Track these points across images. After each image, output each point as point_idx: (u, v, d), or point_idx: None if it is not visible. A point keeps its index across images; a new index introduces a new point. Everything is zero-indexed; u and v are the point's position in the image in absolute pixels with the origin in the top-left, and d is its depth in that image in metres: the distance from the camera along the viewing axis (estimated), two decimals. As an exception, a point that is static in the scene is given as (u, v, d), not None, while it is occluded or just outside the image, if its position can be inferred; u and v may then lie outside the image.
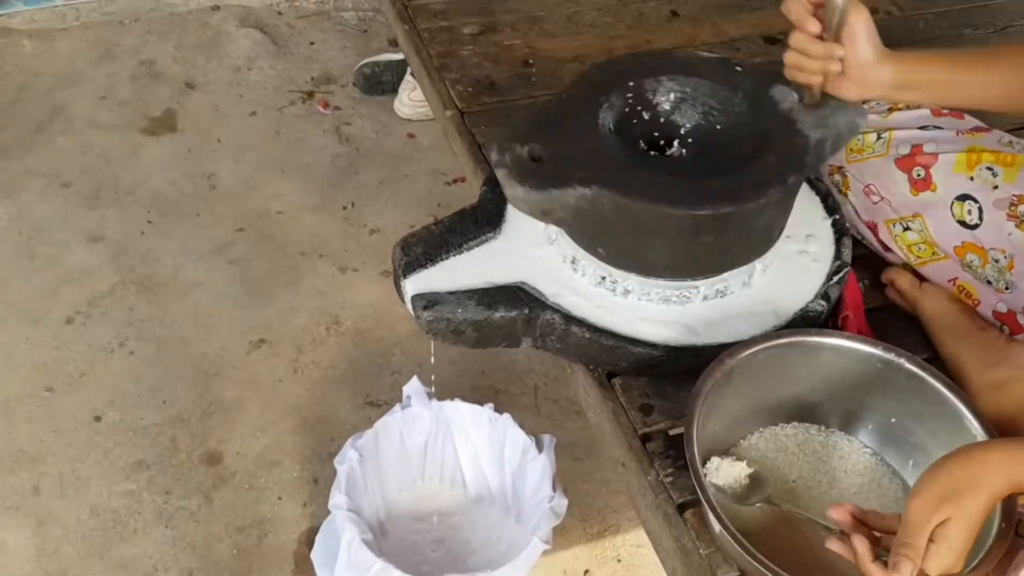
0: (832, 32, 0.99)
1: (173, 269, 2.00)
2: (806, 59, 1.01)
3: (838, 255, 1.12)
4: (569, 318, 1.04)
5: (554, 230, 1.11)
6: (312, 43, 2.61)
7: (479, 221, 1.15)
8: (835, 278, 1.09)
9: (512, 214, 1.16)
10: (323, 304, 1.95)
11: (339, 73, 2.51)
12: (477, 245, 1.13)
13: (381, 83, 2.40)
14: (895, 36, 1.62)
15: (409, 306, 1.09)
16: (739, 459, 0.92)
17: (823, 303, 1.07)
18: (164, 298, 1.94)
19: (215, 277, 1.99)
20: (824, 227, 1.16)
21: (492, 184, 1.19)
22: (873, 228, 1.21)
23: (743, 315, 1.06)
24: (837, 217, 1.16)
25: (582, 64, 1.50)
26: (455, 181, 2.24)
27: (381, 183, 2.23)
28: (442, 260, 1.11)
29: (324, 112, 2.40)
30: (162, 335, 1.87)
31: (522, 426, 1.44)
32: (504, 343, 1.08)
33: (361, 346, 1.87)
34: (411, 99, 2.33)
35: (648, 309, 1.06)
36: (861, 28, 0.98)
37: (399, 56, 2.39)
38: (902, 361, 0.93)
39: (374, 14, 2.68)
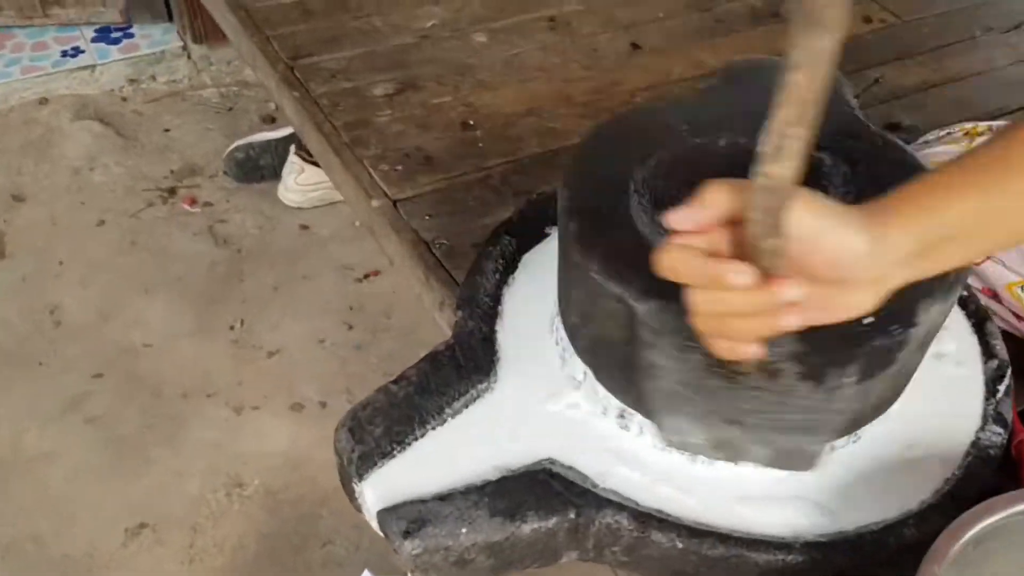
0: (765, 253, 0.50)
1: (13, 439, 1.53)
2: (733, 321, 0.52)
3: (988, 350, 0.78)
4: (645, 518, 0.65)
5: (579, 365, 0.72)
6: (167, 130, 2.17)
7: (461, 367, 0.75)
8: (1000, 387, 0.74)
9: (508, 349, 0.77)
10: (218, 461, 1.50)
11: (204, 162, 2.08)
12: (465, 406, 0.73)
13: (259, 168, 1.99)
14: (902, 46, 1.36)
15: (376, 525, 0.68)
16: None
17: (999, 430, 0.71)
18: (3, 482, 1.46)
19: (70, 444, 1.53)
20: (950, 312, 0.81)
21: (470, 304, 0.80)
22: (993, 296, 0.87)
23: (893, 470, 0.70)
24: (964, 293, 0.82)
25: (539, 118, 1.13)
26: (367, 276, 1.83)
27: (275, 290, 1.81)
28: (417, 440, 0.70)
29: (191, 210, 1.96)
30: (5, 537, 1.39)
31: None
32: (536, 564, 0.68)
33: (276, 512, 1.44)
34: (299, 183, 1.92)
35: (750, 481, 0.69)
36: (810, 218, 0.50)
37: (278, 134, 1.99)
38: None
39: (239, 88, 2.27)
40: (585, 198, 0.70)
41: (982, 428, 0.72)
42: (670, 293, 0.54)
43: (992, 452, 0.70)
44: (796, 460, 0.62)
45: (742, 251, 0.50)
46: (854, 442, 0.71)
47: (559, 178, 0.73)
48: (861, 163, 0.73)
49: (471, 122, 1.13)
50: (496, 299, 0.81)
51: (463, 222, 0.99)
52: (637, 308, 0.61)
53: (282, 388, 1.62)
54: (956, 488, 0.68)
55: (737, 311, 0.51)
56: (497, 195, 1.03)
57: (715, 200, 0.51)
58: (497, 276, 0.83)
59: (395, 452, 0.70)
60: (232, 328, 1.72)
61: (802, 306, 0.51)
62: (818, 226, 0.50)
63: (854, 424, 0.68)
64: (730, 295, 0.50)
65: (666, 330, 0.59)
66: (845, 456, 0.70)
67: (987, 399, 0.74)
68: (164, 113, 2.22)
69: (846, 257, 0.51)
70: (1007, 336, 0.88)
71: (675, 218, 0.52)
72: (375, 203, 1.01)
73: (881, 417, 0.71)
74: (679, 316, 0.54)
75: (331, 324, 1.74)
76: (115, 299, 1.77)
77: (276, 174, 1.98)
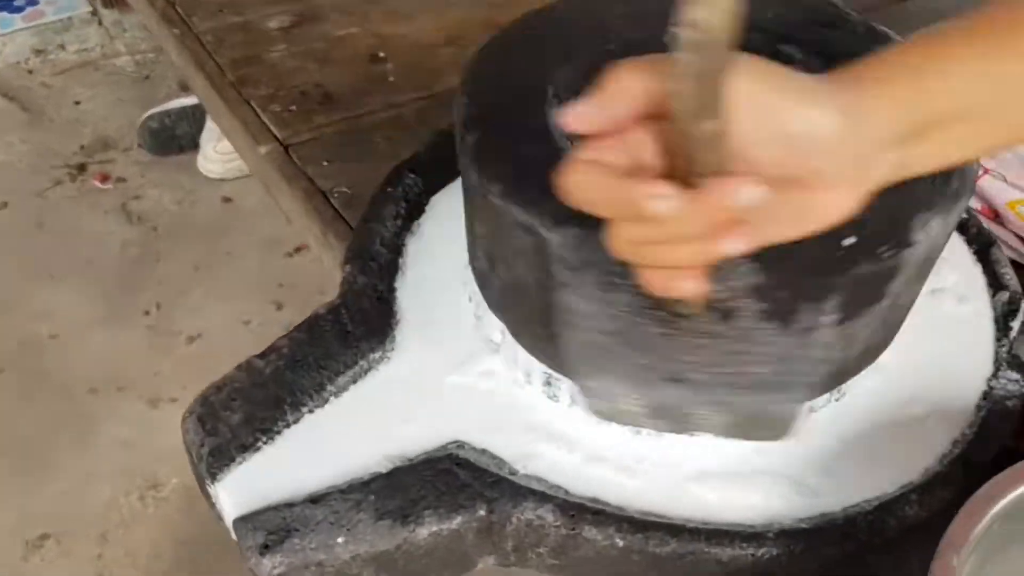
0: (699, 145, 0.34)
1: None
2: (665, 248, 0.36)
3: (995, 281, 0.64)
4: (575, 509, 0.51)
5: (496, 324, 0.58)
6: (77, 102, 2.00)
7: (349, 332, 0.60)
8: (1013, 324, 0.61)
9: (410, 309, 0.62)
10: (131, 461, 1.35)
11: (118, 135, 1.91)
12: (352, 381, 0.58)
13: (175, 137, 1.82)
14: None
15: (233, 534, 0.53)
16: None
17: (1016, 376, 0.58)
18: None
19: (-36, 450, 1.36)
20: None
21: (361, 256, 0.65)
22: (991, 216, 0.74)
23: (887, 433, 0.56)
24: (965, 216, 0.68)
25: (461, 48, 0.98)
26: (298, 250, 1.68)
27: (195, 270, 1.65)
28: (288, 427, 0.56)
29: (103, 187, 1.79)
30: None
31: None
32: (446, 574, 0.54)
33: (195, 515, 1.29)
34: (218, 152, 1.76)
35: (707, 454, 0.54)
36: (758, 87, 0.35)
37: (194, 99, 1.81)
38: None
39: (156, 55, 2.09)
40: (489, 106, 0.55)
41: (994, 375, 0.58)
42: (591, 218, 0.38)
43: (1010, 404, 0.56)
44: (763, 428, 0.48)
45: (672, 152, 0.35)
46: (837, 400, 0.57)
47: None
48: (839, 58, 0.58)
49: (381, 55, 0.97)
50: (396, 250, 0.66)
51: (368, 167, 0.83)
52: (549, 238, 0.46)
53: (203, 377, 1.43)
54: (968, 451, 0.54)
55: (668, 237, 0.35)
56: (410, 134, 0.88)
57: (626, 85, 0.35)
58: (399, 223, 0.68)
59: (260, 444, 0.55)
60: (147, 313, 1.56)
61: (754, 217, 0.35)
62: (770, 98, 0.35)
63: (836, 378, 0.54)
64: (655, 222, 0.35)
65: (586, 264, 0.44)
66: (827, 419, 0.56)
67: (998, 339, 0.60)
68: (74, 85, 2.04)
69: (813, 140, 0.36)
70: (1013, 264, 0.75)
71: (574, 116, 0.36)
72: (263, 149, 0.86)
73: (869, 369, 0.57)
74: (603, 246, 0.39)
75: (258, 304, 1.58)
76: (18, 288, 1.60)
77: (195, 144, 1.81)
